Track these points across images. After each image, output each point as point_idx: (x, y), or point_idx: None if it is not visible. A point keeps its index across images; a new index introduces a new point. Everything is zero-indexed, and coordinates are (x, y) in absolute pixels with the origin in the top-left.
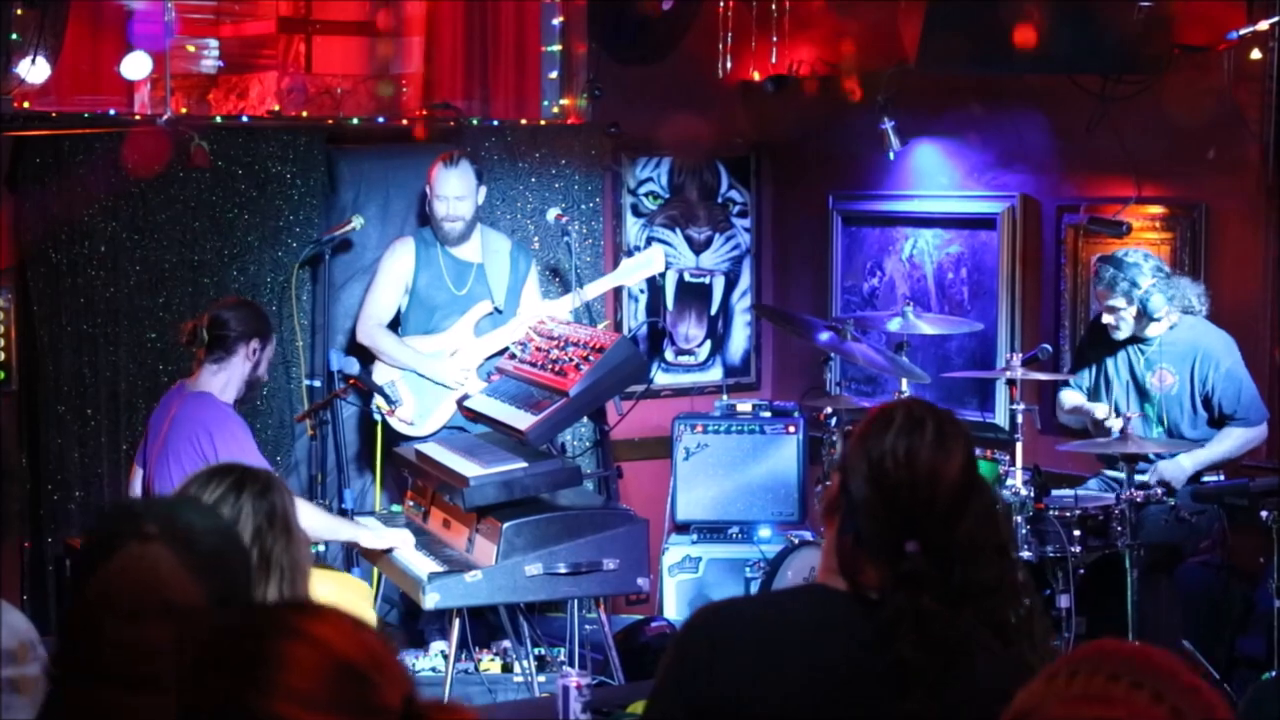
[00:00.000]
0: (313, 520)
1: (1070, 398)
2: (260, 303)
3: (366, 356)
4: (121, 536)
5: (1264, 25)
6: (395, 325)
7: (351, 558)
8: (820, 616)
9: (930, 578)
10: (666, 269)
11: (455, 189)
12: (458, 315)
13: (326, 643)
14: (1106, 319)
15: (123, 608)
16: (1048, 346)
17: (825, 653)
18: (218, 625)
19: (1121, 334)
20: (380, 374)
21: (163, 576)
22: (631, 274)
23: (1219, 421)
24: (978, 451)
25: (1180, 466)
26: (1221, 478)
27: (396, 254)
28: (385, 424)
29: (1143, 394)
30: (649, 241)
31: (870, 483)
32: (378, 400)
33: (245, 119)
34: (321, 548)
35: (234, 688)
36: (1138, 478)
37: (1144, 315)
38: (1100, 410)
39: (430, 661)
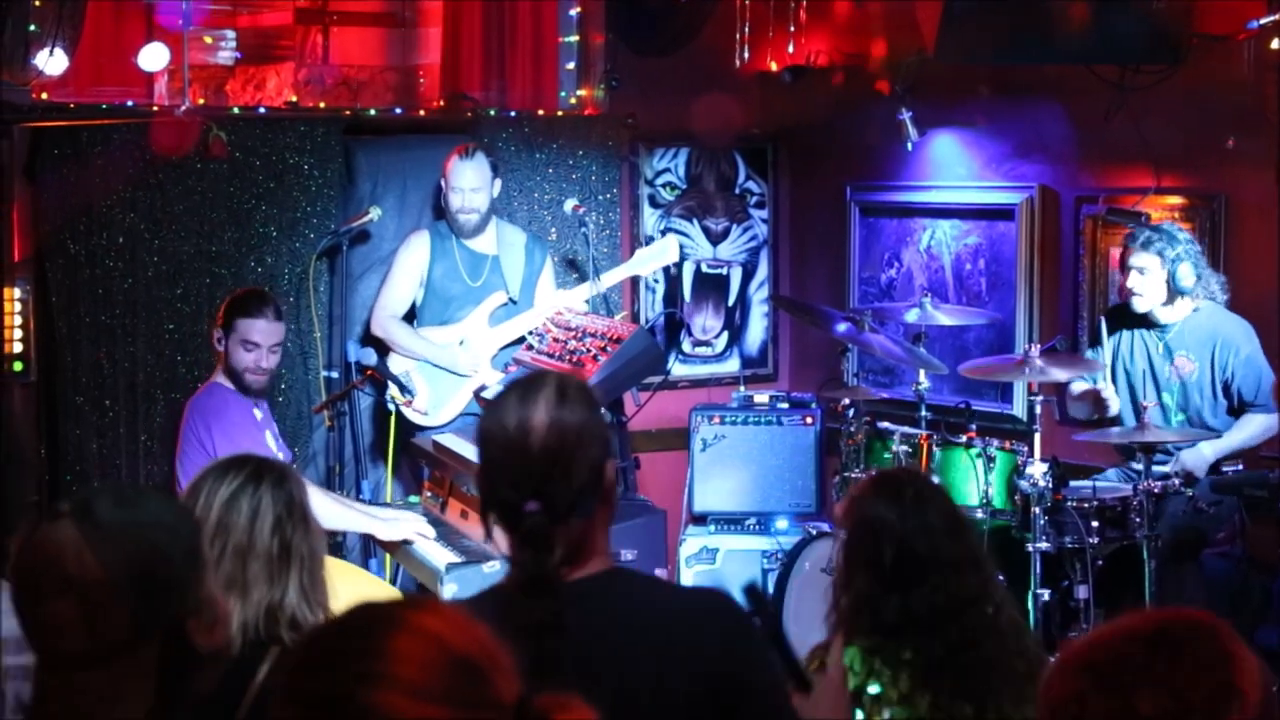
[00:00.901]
0: (325, 510)
1: (1080, 386)
2: (278, 294)
3: (381, 348)
4: (45, 517)
5: None
6: (411, 318)
7: (369, 548)
8: (486, 612)
9: (559, 538)
10: (683, 260)
11: (471, 181)
12: (473, 307)
13: (437, 635)
14: (1131, 282)
15: (29, 585)
16: (1064, 338)
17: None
18: (329, 623)
19: (1143, 302)
20: (394, 365)
21: (64, 553)
22: (646, 264)
23: (1238, 410)
24: (996, 443)
25: (1202, 455)
26: (1240, 468)
27: (412, 247)
28: (400, 415)
29: (1161, 383)
30: (665, 232)
31: (480, 456)
32: (392, 391)
33: (263, 110)
34: (340, 538)
35: (341, 681)
36: (1158, 468)
37: (1170, 286)
38: (1107, 389)
39: None
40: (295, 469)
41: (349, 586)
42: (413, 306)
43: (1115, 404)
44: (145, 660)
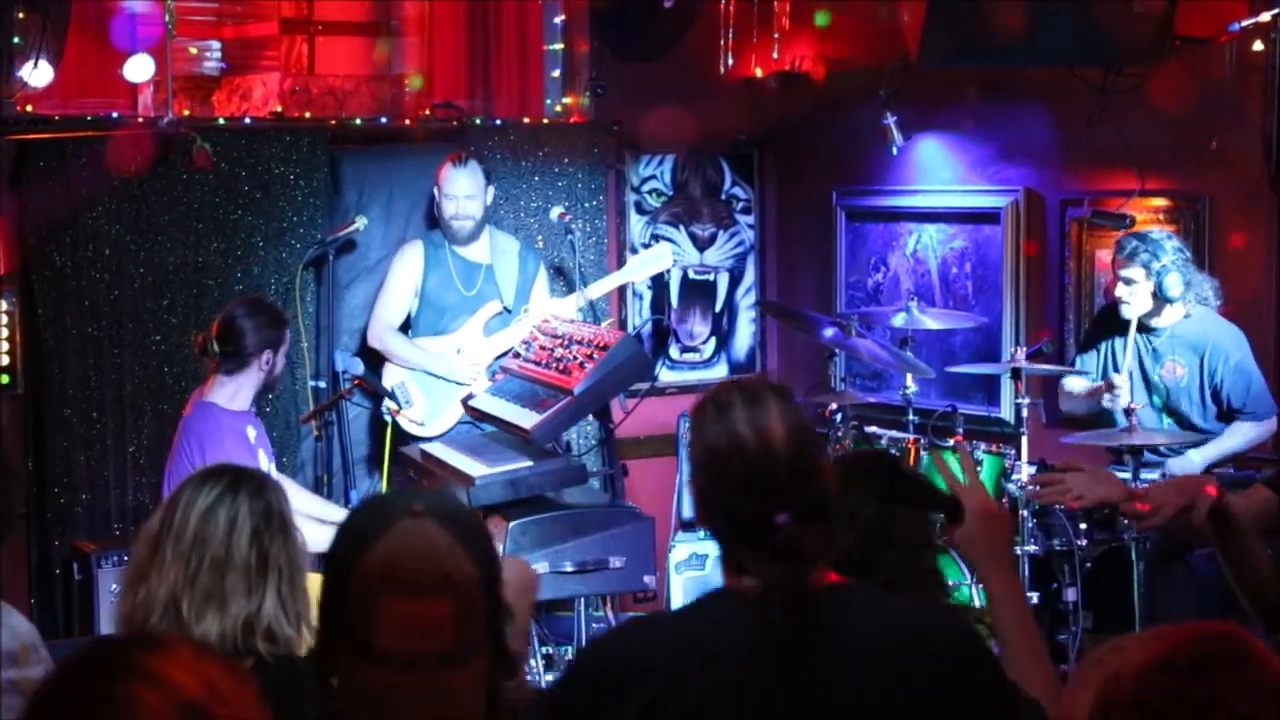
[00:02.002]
0: (315, 535)
1: (1073, 383)
2: None
3: (375, 358)
4: (391, 515)
5: (1266, 17)
6: (406, 328)
7: None
8: (716, 621)
9: (809, 545)
10: (675, 266)
11: (464, 188)
12: (467, 316)
13: (172, 683)
14: (1119, 291)
15: (404, 583)
16: (1050, 340)
17: (721, 658)
18: (62, 665)
19: (1131, 310)
20: (391, 375)
21: (441, 551)
22: (639, 270)
23: (1227, 415)
24: (983, 446)
25: (1191, 462)
26: (1230, 471)
27: (405, 257)
28: (395, 425)
29: (1149, 386)
30: (653, 239)
31: (710, 474)
32: (388, 404)
33: (248, 120)
34: None
35: None
36: (1146, 475)
37: (1158, 295)
38: (1118, 378)
39: None
40: (275, 480)
41: None
42: (408, 317)
43: (1125, 398)
44: (483, 665)
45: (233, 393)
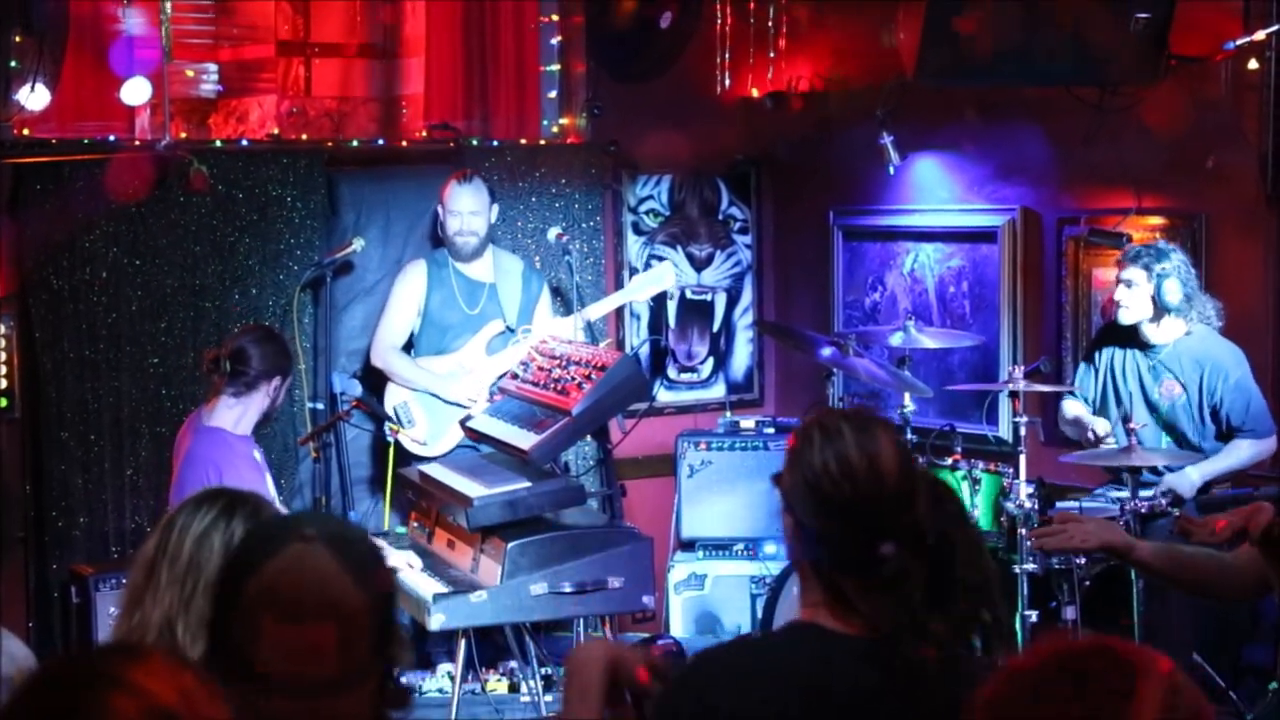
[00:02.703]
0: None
1: (1072, 407)
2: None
3: (378, 378)
4: (281, 539)
5: (1261, 35)
6: (408, 347)
7: None
8: (816, 656)
9: (915, 575)
10: (681, 289)
11: (469, 204)
12: (470, 335)
13: (147, 691)
14: (1118, 295)
15: (285, 608)
16: (1048, 359)
17: (829, 696)
18: (38, 675)
19: (1128, 315)
20: (393, 395)
21: (329, 578)
22: (641, 290)
23: (1226, 434)
24: (982, 465)
25: (1188, 478)
26: (1228, 488)
27: (408, 276)
28: (397, 445)
29: (1150, 405)
30: (651, 259)
31: (815, 505)
32: (390, 423)
33: (245, 142)
34: None
35: None
36: (1144, 492)
37: (1157, 302)
38: (1101, 426)
39: (437, 683)
40: (270, 503)
41: None
42: (410, 336)
43: (1103, 430)
44: (370, 693)
45: (238, 416)
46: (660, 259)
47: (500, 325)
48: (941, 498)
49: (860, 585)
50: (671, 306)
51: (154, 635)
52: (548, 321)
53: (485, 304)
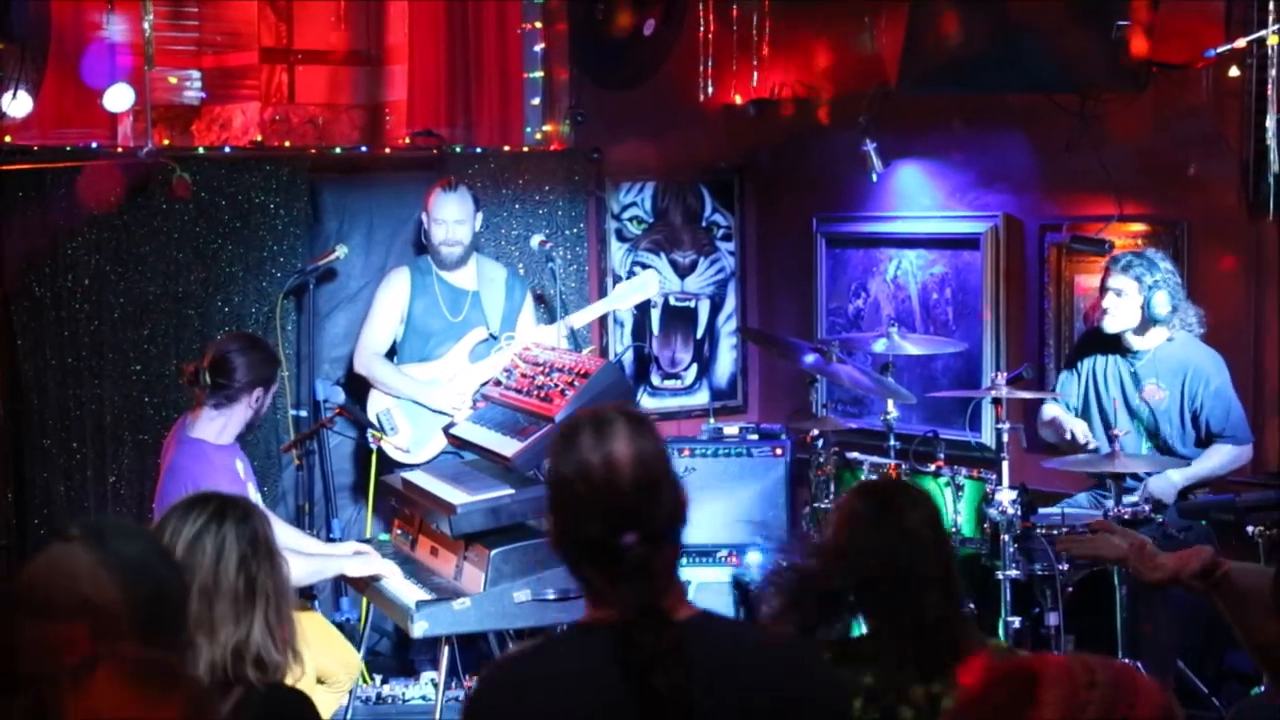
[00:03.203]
0: (295, 568)
1: (1051, 409)
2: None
3: (360, 385)
4: (50, 541)
5: (1242, 43)
6: (391, 354)
7: (340, 587)
8: (586, 658)
9: (657, 564)
10: (665, 297)
11: (454, 213)
12: (453, 342)
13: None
14: (1105, 302)
15: (36, 603)
16: (1031, 365)
17: (592, 693)
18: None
19: (1113, 323)
20: (376, 402)
21: (81, 575)
22: (625, 298)
23: (1206, 440)
24: (964, 471)
25: (1170, 482)
26: (1208, 493)
27: (392, 283)
28: (380, 452)
29: (1131, 411)
30: (635, 266)
31: (560, 504)
32: (374, 432)
33: (228, 150)
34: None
35: None
36: (1127, 498)
37: (1144, 313)
38: (1079, 428)
39: (420, 690)
40: (259, 508)
41: (320, 639)
42: (393, 343)
43: (1091, 444)
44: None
45: (220, 428)
46: (644, 266)
47: (484, 333)
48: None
49: (606, 577)
50: (655, 313)
51: None
52: (531, 329)
53: (469, 311)
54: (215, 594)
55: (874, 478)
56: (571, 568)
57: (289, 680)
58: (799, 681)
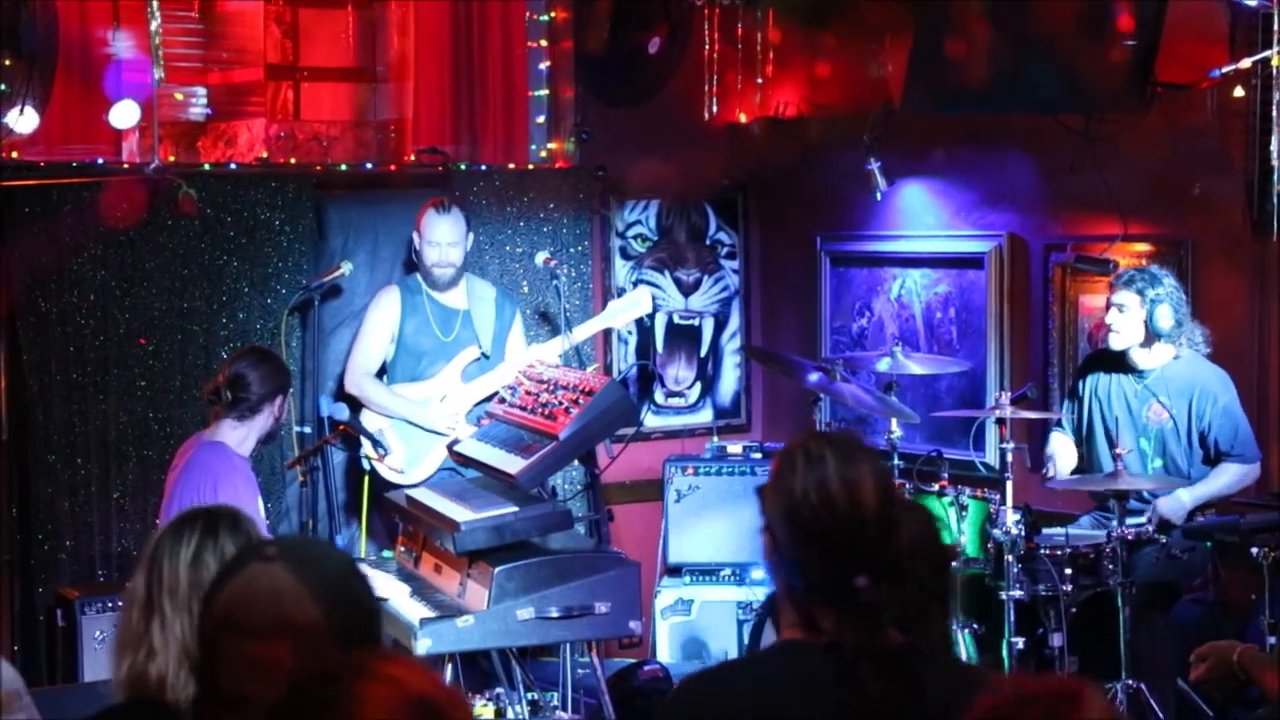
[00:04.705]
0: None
1: (1056, 442)
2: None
3: (355, 404)
4: (242, 561)
5: (1246, 63)
6: (381, 374)
7: None
8: (794, 674)
9: (886, 608)
10: (655, 311)
11: (448, 235)
12: (444, 362)
13: (400, 681)
14: (1110, 318)
15: (239, 625)
16: (1035, 385)
17: (804, 711)
18: (299, 677)
19: (1119, 340)
20: (369, 423)
21: (286, 596)
22: (619, 315)
23: (1214, 459)
24: (968, 491)
25: (1180, 502)
26: (1213, 514)
27: (381, 303)
28: (373, 473)
29: (1138, 430)
30: (638, 284)
31: (794, 530)
32: (366, 449)
33: (234, 166)
34: None
35: None
36: (1132, 519)
37: (1148, 327)
38: (1055, 465)
39: None
40: (244, 513)
41: None
42: (383, 363)
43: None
44: None
45: (242, 438)
46: (648, 284)
47: (475, 352)
48: (923, 526)
49: (832, 612)
50: (659, 331)
51: (174, 667)
52: (521, 348)
53: (460, 331)
54: None
55: None
56: (787, 590)
57: None
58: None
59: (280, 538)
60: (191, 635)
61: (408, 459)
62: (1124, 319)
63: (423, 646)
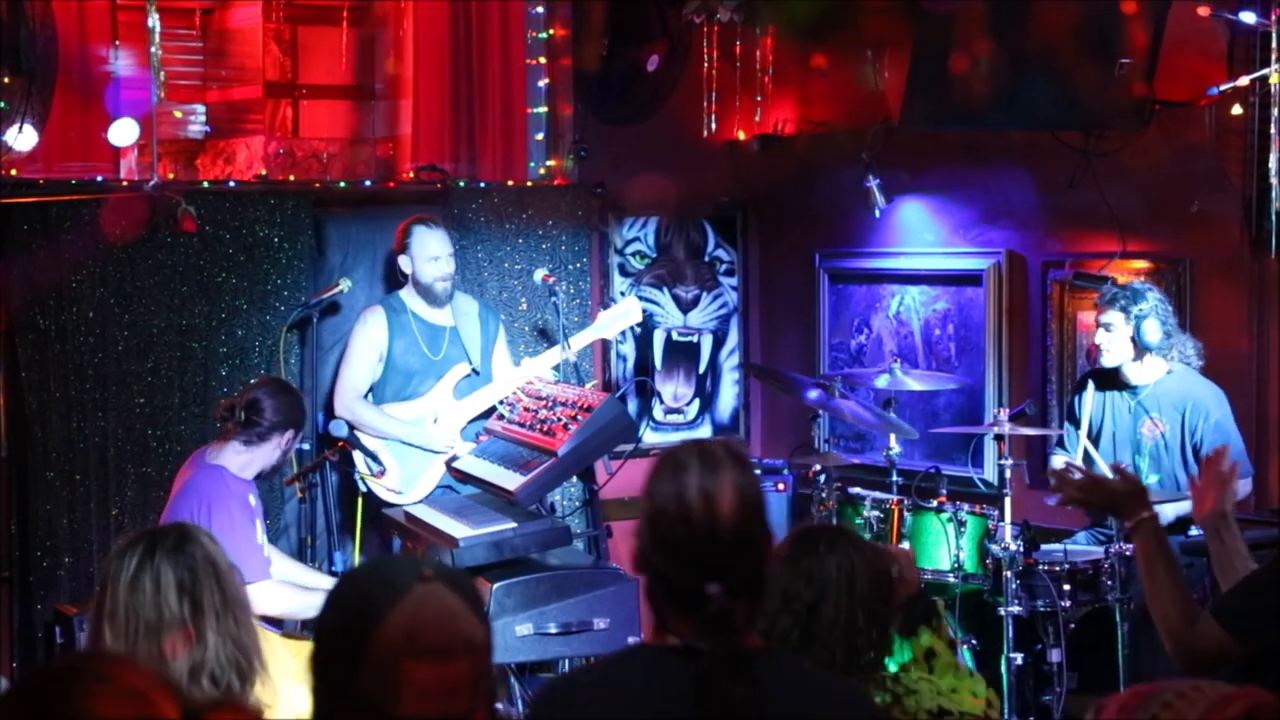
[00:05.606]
0: (295, 602)
1: (1057, 463)
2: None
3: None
4: (401, 583)
5: (1244, 81)
6: (367, 394)
7: None
8: (648, 678)
9: (739, 617)
10: (654, 328)
11: (445, 247)
12: (434, 380)
13: (119, 678)
14: (1099, 338)
15: (428, 648)
16: (1033, 402)
17: (654, 715)
18: (24, 678)
19: (1110, 358)
20: (365, 444)
21: (458, 614)
22: (609, 326)
23: None
24: (967, 507)
25: (1162, 512)
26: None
27: (368, 324)
28: (369, 493)
29: (1134, 445)
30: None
31: (653, 537)
32: (361, 469)
33: (232, 184)
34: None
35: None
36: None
37: (1137, 343)
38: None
39: None
40: (198, 526)
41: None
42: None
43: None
44: None
45: (245, 463)
46: (650, 301)
47: (466, 368)
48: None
49: (682, 620)
50: (658, 348)
51: None
52: (507, 362)
53: (448, 349)
54: (162, 628)
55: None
56: (648, 594)
57: (255, 687)
58: (850, 713)
59: (414, 558)
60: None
61: (404, 479)
62: (1112, 337)
63: None
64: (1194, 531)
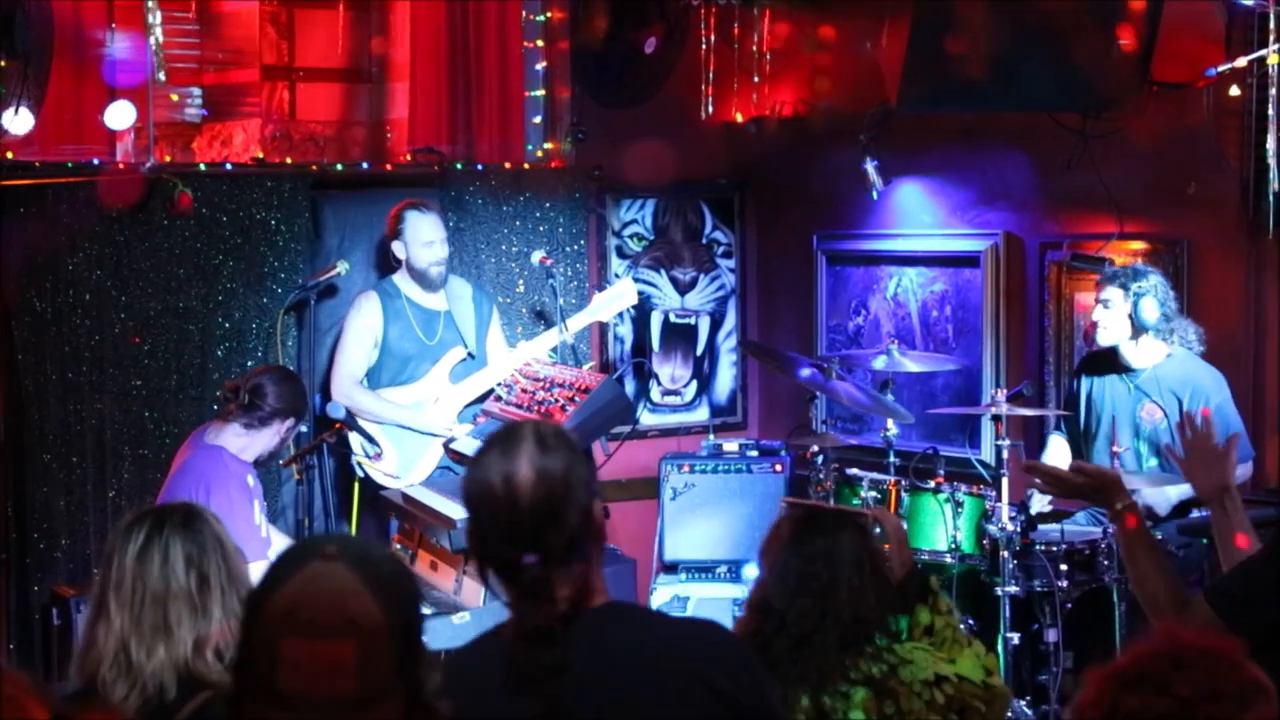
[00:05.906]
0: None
1: (1053, 445)
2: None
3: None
4: (301, 559)
5: (1242, 62)
6: (364, 379)
7: None
8: (482, 654)
9: (557, 584)
10: (651, 309)
11: (438, 231)
12: (430, 364)
13: None
14: (1096, 315)
15: (304, 624)
16: (1030, 383)
17: (489, 697)
18: None
19: (1106, 336)
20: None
21: (348, 594)
22: (605, 308)
23: None
24: (964, 488)
25: (1165, 496)
26: (1203, 512)
27: (362, 310)
28: (366, 478)
29: (1133, 428)
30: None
31: (471, 516)
32: (358, 453)
33: (229, 166)
34: None
35: None
36: None
37: (1134, 322)
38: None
39: None
40: (202, 506)
41: None
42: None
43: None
44: (394, 712)
45: (244, 446)
46: (647, 283)
47: (462, 352)
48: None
49: (510, 591)
50: (655, 329)
51: (109, 661)
52: (501, 345)
53: (443, 333)
54: (168, 598)
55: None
56: (480, 572)
57: None
58: (700, 662)
59: (334, 536)
60: (130, 628)
61: (402, 463)
62: (1110, 314)
63: None
64: (1195, 514)
